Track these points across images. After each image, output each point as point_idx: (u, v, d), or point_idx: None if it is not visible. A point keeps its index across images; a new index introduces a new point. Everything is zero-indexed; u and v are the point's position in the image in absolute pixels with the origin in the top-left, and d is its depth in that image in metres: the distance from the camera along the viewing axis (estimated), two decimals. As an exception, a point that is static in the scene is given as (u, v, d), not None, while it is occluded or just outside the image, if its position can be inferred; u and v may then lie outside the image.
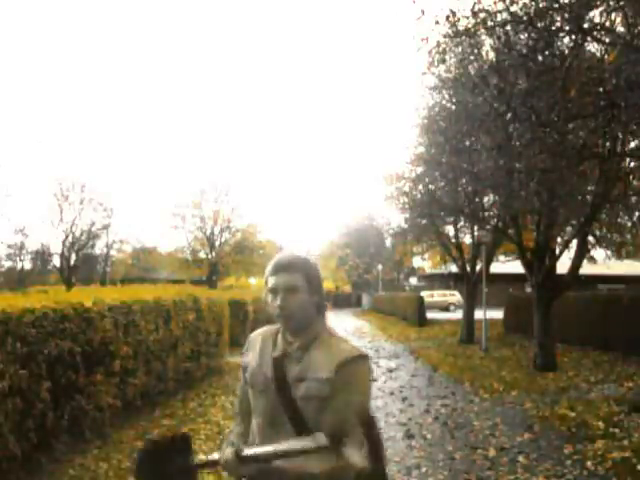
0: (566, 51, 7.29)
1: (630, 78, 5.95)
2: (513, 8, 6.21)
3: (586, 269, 12.63)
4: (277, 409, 1.71)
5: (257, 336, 1.91)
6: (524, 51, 6.75)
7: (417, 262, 42.79)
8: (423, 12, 6.39)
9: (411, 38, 7.11)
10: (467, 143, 10.90)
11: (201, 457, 1.77)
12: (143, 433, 6.13)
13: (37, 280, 37.49)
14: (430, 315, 26.74)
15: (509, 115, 7.98)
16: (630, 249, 15.54)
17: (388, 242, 44.78)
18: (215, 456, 1.73)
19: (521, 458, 5.33)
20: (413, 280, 55.38)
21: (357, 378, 1.66)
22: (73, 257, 41.54)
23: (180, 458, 1.69)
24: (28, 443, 4.54)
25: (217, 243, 41.10)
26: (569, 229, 12.69)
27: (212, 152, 75.65)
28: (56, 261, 42.20)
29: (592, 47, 7.90)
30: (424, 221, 17.31)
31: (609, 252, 15.90)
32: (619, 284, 26.31)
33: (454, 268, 20.62)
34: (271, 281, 1.74)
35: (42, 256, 43.01)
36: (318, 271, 1.77)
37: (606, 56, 6.87)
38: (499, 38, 6.87)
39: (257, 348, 1.85)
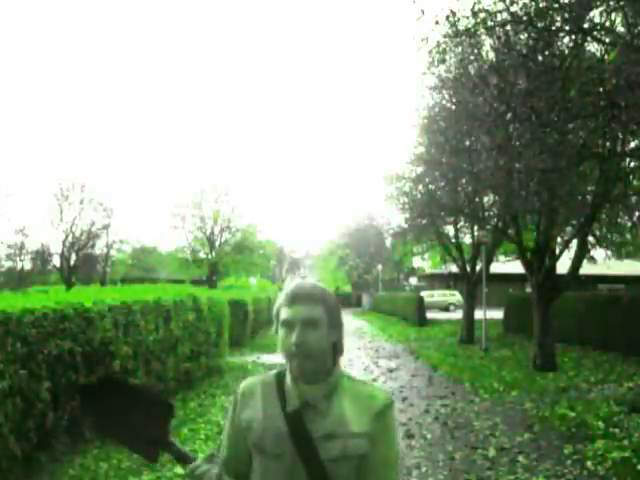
0: (566, 51, 7.30)
1: (630, 78, 5.95)
2: (513, 8, 6.21)
3: (586, 269, 12.63)
4: (298, 475, 1.40)
5: (253, 386, 1.54)
6: (524, 51, 6.75)
7: (417, 262, 42.83)
8: (423, 12, 6.39)
9: (411, 38, 7.11)
10: (467, 143, 10.90)
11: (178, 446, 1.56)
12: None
13: (37, 280, 37.49)
14: (430, 315, 26.74)
15: (509, 115, 7.98)
16: (630, 249, 15.55)
17: (388, 242, 44.76)
18: (192, 457, 1.52)
19: (521, 458, 5.33)
20: (413, 280, 55.38)
21: (393, 427, 1.48)
22: (73, 257, 41.56)
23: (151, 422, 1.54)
24: (28, 443, 4.54)
25: (217, 243, 41.10)
26: (569, 229, 12.69)
27: (212, 152, 75.77)
28: (56, 261, 42.23)
29: (592, 47, 7.90)
30: (424, 221, 17.31)
31: (609, 252, 15.91)
32: (619, 284, 26.31)
33: (454, 268, 20.62)
34: (286, 313, 1.45)
35: (42, 256, 42.99)
36: (338, 304, 1.51)
37: (606, 56, 6.87)
38: (499, 38, 6.87)
39: (258, 402, 1.50)
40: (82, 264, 42.07)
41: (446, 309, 35.10)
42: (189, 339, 8.79)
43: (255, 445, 1.46)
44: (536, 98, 6.81)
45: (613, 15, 6.57)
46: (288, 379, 1.49)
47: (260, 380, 1.55)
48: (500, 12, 6.34)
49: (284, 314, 1.45)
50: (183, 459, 1.53)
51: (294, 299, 1.45)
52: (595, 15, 6.60)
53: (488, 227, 15.29)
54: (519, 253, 12.21)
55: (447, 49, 7.34)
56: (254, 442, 1.46)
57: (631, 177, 10.59)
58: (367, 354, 14.40)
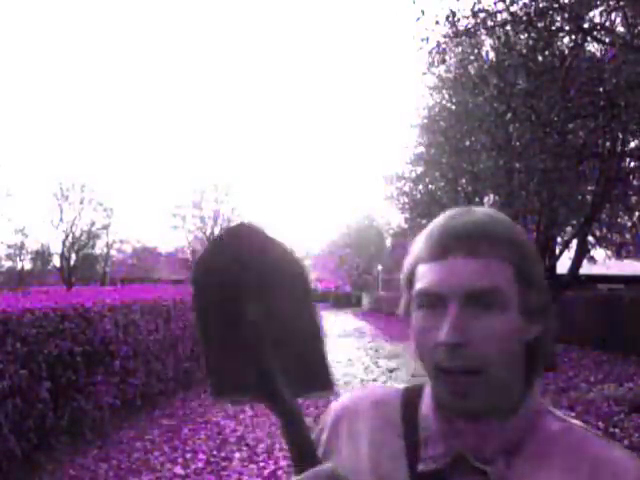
0: (566, 51, 7.29)
1: (630, 78, 5.96)
2: (513, 8, 6.21)
3: (586, 269, 12.63)
4: None
5: (357, 409, 0.83)
6: (524, 51, 6.75)
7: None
8: (423, 12, 6.39)
9: (411, 38, 7.11)
10: (467, 143, 10.91)
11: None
12: (143, 433, 6.14)
13: (37, 280, 37.48)
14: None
15: (509, 115, 7.98)
16: (630, 249, 15.54)
17: (388, 242, 44.77)
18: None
19: (521, 458, 5.32)
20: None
21: None
22: (73, 257, 41.58)
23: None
24: (28, 443, 4.54)
25: (217, 243, 41.06)
26: (569, 229, 12.70)
27: (212, 152, 75.76)
28: (56, 261, 42.25)
29: (592, 47, 7.91)
30: (424, 221, 17.32)
31: (609, 252, 15.90)
32: (619, 284, 26.28)
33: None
34: (429, 276, 0.72)
35: (42, 256, 43.01)
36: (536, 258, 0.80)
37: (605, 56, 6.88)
38: (499, 38, 6.87)
39: (363, 440, 0.79)
40: (82, 264, 42.08)
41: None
42: (189, 339, 8.79)
43: None
44: (536, 98, 6.82)
45: (613, 15, 6.58)
46: (428, 407, 0.77)
47: (371, 400, 0.83)
48: (500, 12, 6.34)
49: (423, 279, 0.72)
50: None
51: (449, 244, 0.70)
52: (595, 15, 6.60)
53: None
54: (519, 253, 12.20)
55: (447, 49, 7.34)
56: None
57: (631, 177, 10.59)
58: (367, 354, 14.39)
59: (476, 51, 7.96)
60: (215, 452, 5.51)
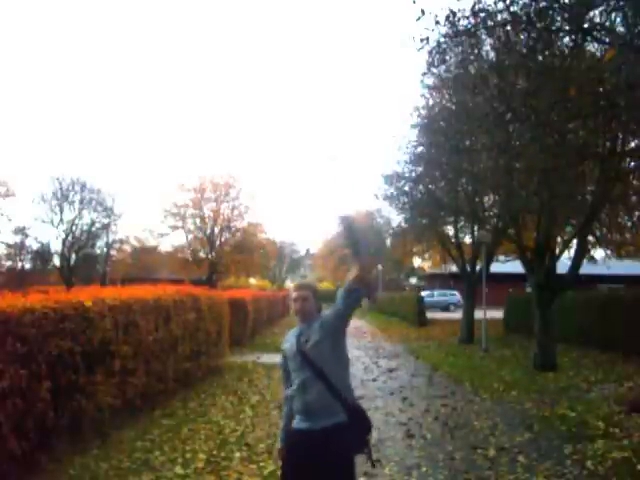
0: (566, 51, 7.28)
1: (630, 78, 5.95)
2: (513, 8, 6.20)
3: (586, 269, 12.63)
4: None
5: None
6: (524, 51, 6.74)
7: (417, 262, 42.82)
8: (423, 12, 6.37)
9: (411, 38, 7.10)
10: (467, 143, 10.91)
11: None
12: (143, 433, 6.14)
13: (37, 280, 37.46)
14: (430, 315, 26.75)
15: (509, 115, 7.98)
16: (630, 249, 15.55)
17: (388, 242, 44.75)
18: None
19: (521, 458, 5.33)
20: (413, 280, 55.38)
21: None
22: (73, 257, 41.57)
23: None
24: (28, 443, 4.54)
25: (217, 243, 41.07)
26: (569, 229, 12.70)
27: (212, 151, 75.75)
28: (56, 261, 42.26)
29: (592, 47, 7.90)
30: (424, 221, 17.32)
31: (609, 252, 15.91)
32: (619, 284, 26.28)
33: (454, 268, 20.62)
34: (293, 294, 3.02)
35: (42, 256, 43.01)
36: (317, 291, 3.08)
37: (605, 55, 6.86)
38: (499, 38, 6.85)
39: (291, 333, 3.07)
40: (82, 264, 42.08)
41: (446, 309, 35.16)
42: (189, 339, 8.79)
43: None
44: (536, 98, 6.81)
45: (613, 15, 6.57)
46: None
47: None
48: (500, 12, 6.33)
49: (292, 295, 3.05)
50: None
51: (295, 287, 3.08)
52: (595, 15, 6.59)
53: (488, 227, 15.30)
54: (519, 253, 12.22)
55: (447, 49, 7.32)
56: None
57: (631, 177, 10.59)
58: (367, 354, 14.39)
59: (476, 51, 7.95)
60: (215, 452, 5.52)
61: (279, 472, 3.15)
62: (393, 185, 16.94)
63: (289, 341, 2.96)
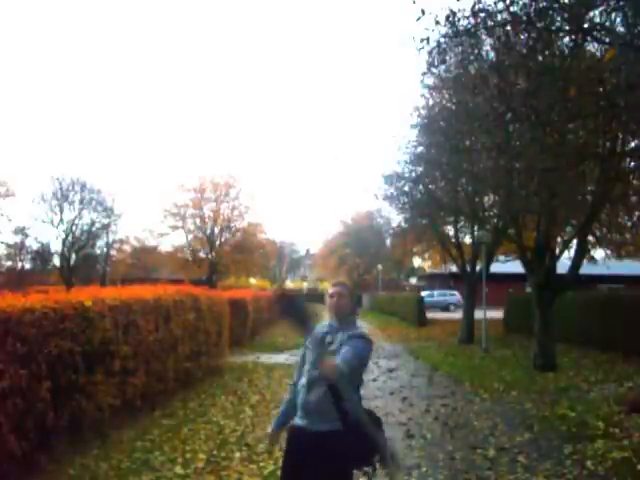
0: (566, 51, 7.28)
1: (630, 78, 5.95)
2: (513, 8, 6.19)
3: (586, 269, 12.63)
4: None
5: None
6: (524, 51, 6.74)
7: (417, 262, 42.84)
8: (423, 12, 6.37)
9: (411, 38, 7.09)
10: (467, 143, 10.90)
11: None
12: (143, 433, 6.14)
13: (37, 280, 37.46)
14: (430, 315, 26.74)
15: (509, 115, 7.97)
16: (630, 249, 15.55)
17: (388, 242, 44.75)
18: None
19: (521, 458, 5.33)
20: (413, 280, 55.39)
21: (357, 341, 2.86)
22: (73, 257, 41.57)
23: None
24: (28, 443, 4.54)
25: (217, 243, 41.07)
26: (569, 229, 12.70)
27: (212, 151, 75.75)
28: (56, 261, 42.25)
29: (592, 47, 7.90)
30: (424, 221, 17.33)
31: (609, 252, 15.91)
32: (619, 284, 26.28)
33: (454, 268, 20.62)
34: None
35: (42, 256, 43.01)
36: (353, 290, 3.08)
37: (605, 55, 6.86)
38: (499, 38, 6.84)
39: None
40: (82, 264, 42.08)
41: (446, 309, 35.15)
42: (189, 339, 8.79)
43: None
44: (536, 98, 6.80)
45: (613, 15, 6.56)
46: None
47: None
48: (500, 12, 6.32)
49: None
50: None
51: (333, 284, 3.08)
52: (595, 15, 6.59)
53: (488, 227, 15.30)
54: (519, 253, 12.21)
55: (447, 49, 7.32)
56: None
57: (631, 177, 10.58)
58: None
59: (476, 51, 7.94)
60: (215, 452, 5.52)
61: (279, 472, 3.15)
62: (393, 185, 16.95)
63: (318, 332, 2.87)
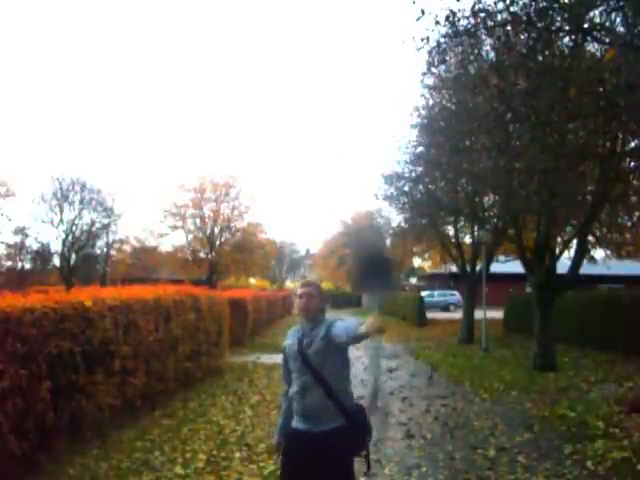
0: (566, 51, 7.28)
1: (630, 78, 5.95)
2: (513, 8, 6.19)
3: (586, 269, 12.63)
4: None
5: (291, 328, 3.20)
6: (524, 51, 6.74)
7: (417, 262, 42.81)
8: (423, 12, 6.36)
9: (411, 38, 7.09)
10: (467, 143, 10.90)
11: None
12: (143, 433, 6.14)
13: (37, 280, 37.47)
14: (430, 315, 26.74)
15: (509, 115, 7.97)
16: (630, 249, 15.55)
17: (388, 242, 44.73)
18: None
19: (521, 458, 5.33)
20: (413, 280, 55.38)
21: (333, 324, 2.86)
22: (73, 257, 41.57)
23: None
24: (28, 443, 4.54)
25: (217, 243, 41.07)
26: (569, 229, 12.70)
27: (212, 151, 75.74)
28: (56, 261, 42.25)
29: (592, 47, 7.90)
30: (424, 221, 17.32)
31: (609, 252, 15.91)
32: (619, 284, 26.28)
33: (454, 268, 20.62)
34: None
35: (42, 256, 43.01)
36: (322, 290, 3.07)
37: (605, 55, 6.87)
38: (499, 38, 6.84)
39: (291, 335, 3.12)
40: (82, 264, 42.07)
41: (446, 309, 35.14)
42: (189, 339, 8.79)
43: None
44: (536, 98, 6.80)
45: (613, 15, 6.56)
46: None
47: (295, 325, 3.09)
48: (500, 12, 6.32)
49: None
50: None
51: (301, 284, 3.04)
52: (595, 15, 6.59)
53: (488, 227, 15.30)
54: (519, 253, 12.21)
55: (447, 49, 7.31)
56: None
57: (631, 177, 10.59)
58: (367, 354, 14.38)
59: (476, 51, 7.94)
60: (215, 452, 5.52)
61: (279, 472, 3.15)
62: (393, 185, 16.93)
63: (290, 340, 2.95)
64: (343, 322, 2.80)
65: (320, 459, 2.70)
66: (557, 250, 12.29)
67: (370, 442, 2.95)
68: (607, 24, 6.51)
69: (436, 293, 37.70)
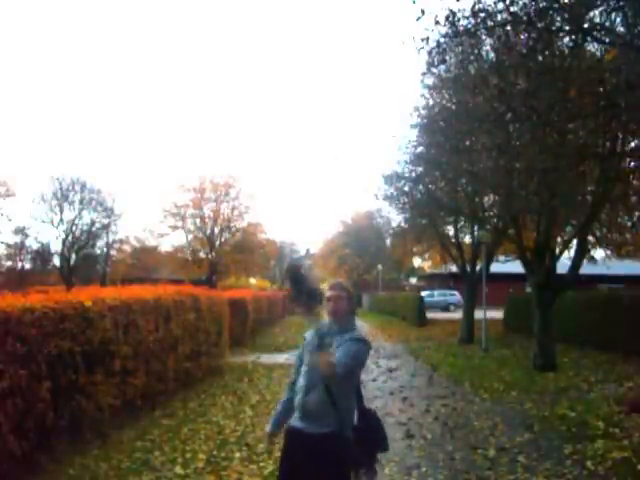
0: (566, 51, 7.28)
1: (630, 78, 5.95)
2: (513, 8, 6.19)
3: (586, 269, 12.63)
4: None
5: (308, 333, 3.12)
6: (524, 51, 6.74)
7: (417, 262, 42.83)
8: (423, 12, 6.36)
9: (411, 38, 7.09)
10: (467, 143, 10.89)
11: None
12: (143, 433, 6.14)
13: (37, 280, 37.48)
14: (430, 315, 26.75)
15: (509, 115, 7.97)
16: (630, 249, 15.55)
17: (388, 242, 44.72)
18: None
19: (521, 458, 5.33)
20: (413, 280, 55.39)
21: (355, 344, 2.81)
22: (73, 257, 41.58)
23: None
24: (28, 443, 4.54)
25: (217, 243, 41.07)
26: (569, 229, 12.69)
27: (213, 151, 75.75)
28: (56, 261, 42.27)
29: (592, 47, 7.90)
30: (424, 221, 17.32)
31: (609, 252, 15.91)
32: (619, 284, 26.29)
33: (454, 268, 20.62)
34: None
35: (42, 256, 43.03)
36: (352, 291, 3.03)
37: (606, 55, 6.87)
38: (499, 38, 6.84)
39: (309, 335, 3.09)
40: (82, 264, 42.09)
41: (446, 309, 35.16)
42: (189, 339, 8.79)
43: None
44: (536, 98, 6.80)
45: (613, 15, 6.57)
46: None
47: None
48: (500, 12, 6.32)
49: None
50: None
51: (331, 286, 2.95)
52: (595, 15, 6.59)
53: (488, 227, 15.29)
54: (519, 253, 12.21)
55: (447, 49, 7.31)
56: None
57: (631, 177, 10.59)
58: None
59: (476, 51, 7.94)
60: (215, 452, 5.52)
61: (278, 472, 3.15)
62: (393, 185, 16.93)
63: (318, 331, 2.82)
64: (343, 350, 2.72)
65: (314, 464, 2.69)
66: (557, 250, 12.28)
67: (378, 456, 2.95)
68: (607, 24, 6.52)
69: (436, 293, 37.70)
